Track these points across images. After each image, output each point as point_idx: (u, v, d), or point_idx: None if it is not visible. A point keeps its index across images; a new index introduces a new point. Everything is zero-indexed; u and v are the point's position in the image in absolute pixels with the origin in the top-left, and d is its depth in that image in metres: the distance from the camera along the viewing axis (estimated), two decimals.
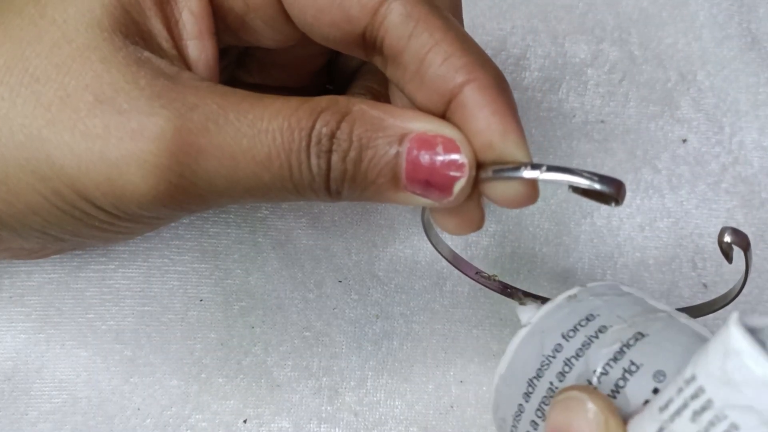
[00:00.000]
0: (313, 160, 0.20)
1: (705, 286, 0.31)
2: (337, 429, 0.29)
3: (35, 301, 0.29)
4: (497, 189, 0.20)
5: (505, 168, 0.20)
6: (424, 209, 0.24)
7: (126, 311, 0.29)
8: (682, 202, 0.32)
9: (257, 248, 0.30)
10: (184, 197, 0.20)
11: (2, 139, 0.19)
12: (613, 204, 0.19)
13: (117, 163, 0.19)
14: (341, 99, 0.20)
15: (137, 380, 0.29)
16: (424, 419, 0.29)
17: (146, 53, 0.20)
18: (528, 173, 0.19)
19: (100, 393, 0.29)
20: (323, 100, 0.20)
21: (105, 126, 0.19)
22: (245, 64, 0.27)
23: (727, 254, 0.22)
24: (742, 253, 0.22)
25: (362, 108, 0.20)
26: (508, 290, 0.27)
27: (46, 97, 0.19)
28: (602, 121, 0.32)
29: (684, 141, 0.32)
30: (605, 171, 0.32)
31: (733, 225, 0.32)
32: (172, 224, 0.30)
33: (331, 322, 0.30)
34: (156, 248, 0.30)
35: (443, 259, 0.31)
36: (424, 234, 0.30)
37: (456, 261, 0.27)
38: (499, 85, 0.20)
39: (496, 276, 0.28)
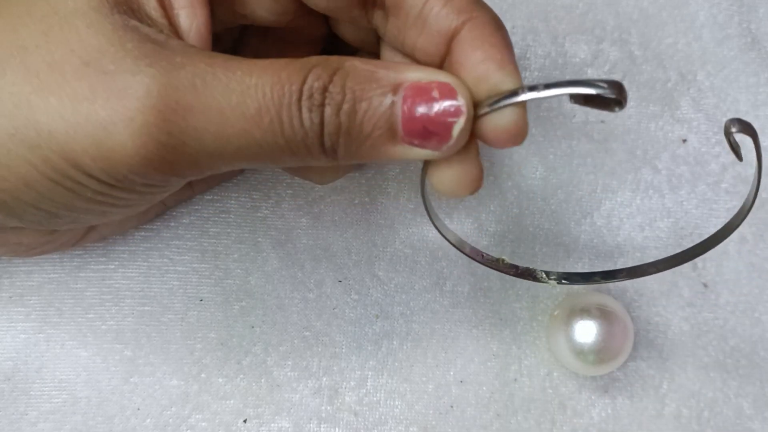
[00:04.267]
0: (305, 114, 0.19)
1: (705, 286, 0.31)
2: (337, 429, 0.29)
3: (35, 301, 0.29)
4: (492, 122, 0.20)
5: (502, 97, 0.20)
6: (424, 193, 0.24)
7: (126, 311, 0.29)
8: (682, 202, 0.32)
9: (257, 248, 0.30)
10: (174, 158, 0.19)
11: None
12: (617, 108, 0.19)
13: (104, 124, 0.19)
14: (332, 57, 0.20)
15: (137, 380, 0.29)
16: (424, 419, 0.29)
17: (134, 21, 0.20)
18: (526, 95, 0.19)
19: (100, 393, 0.29)
20: (313, 58, 0.20)
21: (91, 87, 0.19)
22: (241, 50, 0.27)
23: (737, 152, 0.22)
24: (751, 162, 0.22)
25: (354, 63, 0.20)
26: (519, 271, 0.27)
27: (33, 65, 0.19)
28: (602, 121, 0.32)
29: (684, 141, 0.32)
30: (605, 170, 0.32)
31: None
32: (172, 224, 0.30)
33: (331, 322, 0.30)
34: (156, 248, 0.30)
35: (443, 259, 0.31)
36: (423, 233, 0.30)
37: (461, 245, 0.27)
38: (496, 23, 0.21)
39: (504, 259, 0.28)
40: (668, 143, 0.32)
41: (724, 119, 0.33)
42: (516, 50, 0.34)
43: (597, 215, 0.32)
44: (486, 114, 0.20)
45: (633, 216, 0.32)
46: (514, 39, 0.33)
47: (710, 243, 0.25)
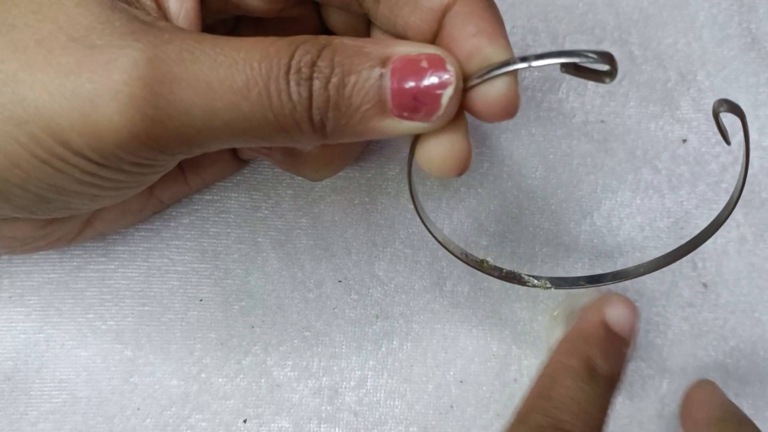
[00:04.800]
0: (293, 88, 0.19)
1: (705, 286, 0.31)
2: (337, 429, 0.29)
3: (35, 301, 0.29)
4: (483, 94, 0.20)
5: (493, 68, 0.20)
6: (411, 183, 0.24)
7: (126, 311, 0.29)
8: (682, 202, 0.32)
9: (257, 248, 0.30)
10: (161, 132, 0.19)
11: None
12: (607, 80, 0.19)
13: (90, 97, 0.18)
14: (321, 36, 0.20)
15: (137, 380, 0.29)
16: (424, 419, 0.29)
17: (123, 4, 0.20)
18: (517, 65, 0.19)
19: (100, 393, 0.29)
20: (302, 36, 0.20)
21: (77, 61, 0.19)
22: None
23: (724, 135, 0.22)
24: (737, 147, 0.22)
25: (342, 40, 0.20)
26: (504, 273, 0.27)
27: (21, 42, 0.19)
28: (602, 121, 0.32)
29: (684, 141, 0.32)
30: (605, 170, 0.32)
31: (733, 225, 0.32)
32: (172, 224, 0.30)
33: (331, 322, 0.30)
34: (156, 248, 0.30)
35: (443, 259, 0.31)
36: (423, 233, 0.30)
37: (445, 242, 0.27)
38: (489, 0, 0.21)
39: (488, 260, 0.27)
40: (668, 143, 0.32)
41: (725, 119, 0.33)
42: (516, 50, 0.34)
43: (597, 215, 0.32)
44: (477, 85, 0.20)
45: (633, 216, 0.32)
46: (514, 39, 0.33)
47: (699, 239, 0.25)
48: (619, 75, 0.33)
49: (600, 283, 0.27)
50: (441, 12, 0.21)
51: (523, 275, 0.27)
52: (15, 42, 0.19)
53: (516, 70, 0.20)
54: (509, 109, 0.20)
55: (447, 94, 0.19)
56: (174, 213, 0.30)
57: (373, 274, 0.31)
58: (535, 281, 0.27)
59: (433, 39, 0.22)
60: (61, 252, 0.29)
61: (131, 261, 0.30)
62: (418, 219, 0.25)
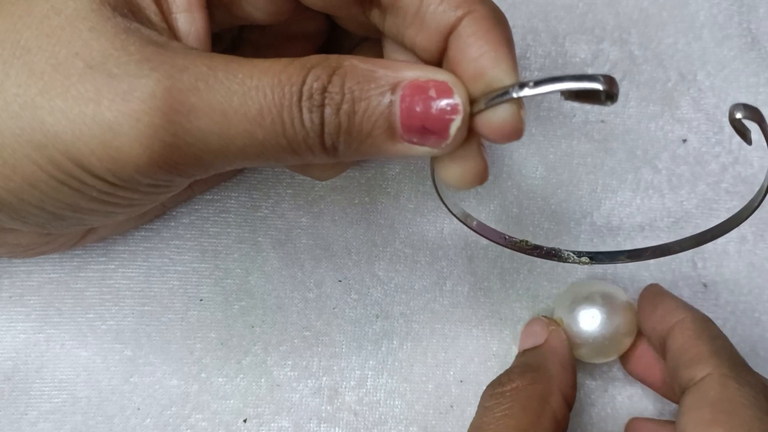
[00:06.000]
0: (306, 115, 0.19)
1: (705, 285, 0.31)
2: (337, 429, 0.29)
3: (35, 301, 0.29)
4: (488, 119, 0.20)
5: (495, 94, 0.20)
6: (435, 182, 0.24)
7: (126, 311, 0.29)
8: (682, 202, 0.32)
9: (257, 248, 0.30)
10: (179, 158, 0.20)
11: None
12: (608, 102, 0.19)
13: (110, 125, 0.19)
14: (331, 56, 0.20)
15: (137, 380, 0.29)
16: (424, 419, 0.29)
17: (135, 24, 0.20)
18: (517, 93, 0.19)
19: (100, 393, 0.29)
20: (313, 58, 0.20)
21: (96, 90, 0.19)
22: (240, 49, 0.27)
23: (744, 134, 0.21)
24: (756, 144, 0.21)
25: (352, 62, 0.20)
26: (544, 251, 0.27)
27: (38, 66, 0.19)
28: (602, 121, 0.32)
29: (684, 141, 0.32)
30: (605, 170, 0.32)
31: None
32: (172, 224, 0.30)
33: (331, 322, 0.30)
34: (156, 248, 0.30)
35: (443, 259, 0.31)
36: (423, 233, 0.30)
37: (482, 229, 0.27)
38: (495, 17, 0.21)
39: (527, 240, 0.28)
40: (668, 143, 0.32)
41: (724, 119, 0.33)
42: (516, 50, 0.34)
43: (597, 215, 0.32)
44: (482, 111, 0.20)
45: (633, 216, 0.32)
46: (514, 39, 0.33)
47: (738, 218, 0.25)
48: (619, 75, 0.33)
49: (640, 258, 0.28)
50: (446, 33, 0.21)
51: (562, 252, 0.28)
52: (31, 66, 0.19)
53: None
54: (513, 135, 0.20)
55: (455, 125, 0.20)
56: (174, 213, 0.30)
57: (373, 274, 0.31)
58: (575, 257, 0.28)
59: (440, 57, 0.22)
60: (60, 252, 0.29)
61: (131, 261, 0.30)
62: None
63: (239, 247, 0.30)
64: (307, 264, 0.30)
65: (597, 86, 0.18)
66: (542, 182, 0.32)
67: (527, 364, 0.27)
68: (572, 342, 0.28)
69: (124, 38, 0.20)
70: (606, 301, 0.28)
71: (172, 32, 0.22)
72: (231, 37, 0.27)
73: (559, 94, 0.19)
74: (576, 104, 0.33)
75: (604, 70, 0.33)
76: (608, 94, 0.19)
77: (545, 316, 0.30)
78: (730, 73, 0.33)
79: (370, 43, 0.27)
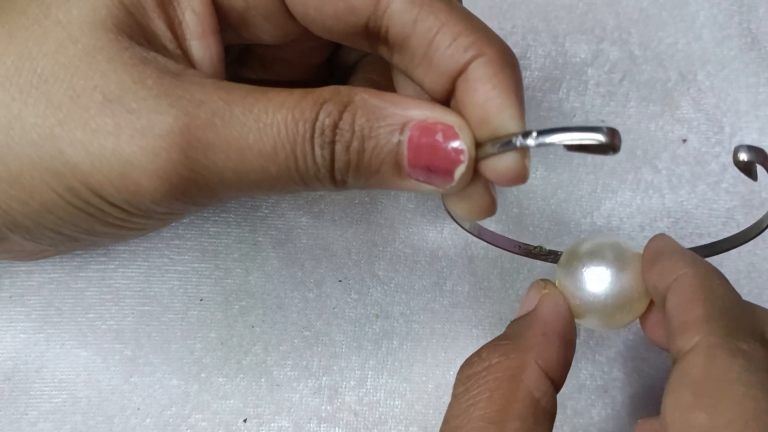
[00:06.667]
0: (317, 151, 0.20)
1: None
2: (337, 429, 0.29)
3: (35, 301, 0.29)
4: (492, 165, 0.21)
5: (500, 142, 0.20)
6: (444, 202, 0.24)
7: (126, 311, 0.29)
8: (682, 202, 0.32)
9: (257, 247, 0.30)
10: (195, 190, 0.20)
11: (15, 137, 0.20)
12: (611, 153, 0.19)
13: (129, 159, 0.19)
14: (343, 89, 0.20)
15: (137, 380, 0.29)
16: (424, 419, 0.29)
17: (151, 53, 0.21)
18: (521, 142, 0.20)
19: (100, 393, 0.29)
20: (325, 91, 0.20)
21: (116, 124, 0.19)
22: (247, 61, 0.27)
23: (750, 172, 0.21)
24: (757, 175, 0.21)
25: (364, 97, 0.20)
26: (560, 257, 0.27)
27: (56, 97, 0.20)
28: (602, 121, 0.32)
29: (684, 141, 0.32)
30: (605, 170, 0.32)
31: (733, 225, 0.32)
32: (173, 224, 0.30)
33: (331, 322, 0.30)
34: (156, 248, 0.30)
35: (443, 259, 0.31)
36: (423, 233, 0.30)
37: (495, 239, 0.27)
38: (505, 60, 0.21)
39: (541, 246, 0.28)
40: (668, 143, 0.32)
41: (724, 119, 0.33)
42: (516, 50, 0.34)
43: (597, 215, 0.32)
44: (487, 157, 0.21)
45: (633, 216, 0.32)
46: (514, 39, 0.33)
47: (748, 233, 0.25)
48: (619, 75, 0.33)
49: None
50: (455, 76, 0.21)
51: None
52: (48, 96, 0.20)
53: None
54: (516, 181, 0.21)
55: (460, 169, 0.20)
56: None
57: (373, 274, 0.31)
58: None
59: (449, 97, 0.22)
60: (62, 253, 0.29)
61: (131, 261, 0.30)
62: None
63: (239, 247, 0.30)
64: (307, 264, 0.30)
65: (601, 139, 0.19)
66: (542, 182, 0.32)
67: (502, 336, 0.24)
68: (577, 309, 0.24)
69: (141, 69, 0.20)
70: (615, 256, 0.24)
71: (187, 59, 0.22)
72: (238, 50, 0.27)
73: (563, 146, 0.19)
74: (576, 104, 0.33)
75: (604, 69, 0.33)
76: (611, 147, 0.19)
77: (543, 279, 0.25)
78: (730, 73, 0.33)
79: (373, 58, 0.27)
